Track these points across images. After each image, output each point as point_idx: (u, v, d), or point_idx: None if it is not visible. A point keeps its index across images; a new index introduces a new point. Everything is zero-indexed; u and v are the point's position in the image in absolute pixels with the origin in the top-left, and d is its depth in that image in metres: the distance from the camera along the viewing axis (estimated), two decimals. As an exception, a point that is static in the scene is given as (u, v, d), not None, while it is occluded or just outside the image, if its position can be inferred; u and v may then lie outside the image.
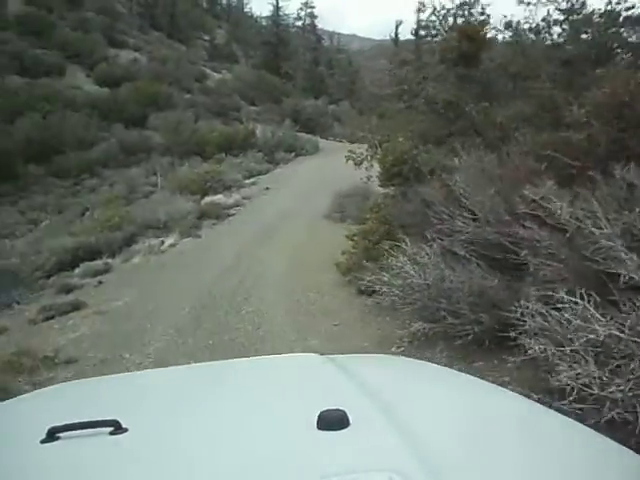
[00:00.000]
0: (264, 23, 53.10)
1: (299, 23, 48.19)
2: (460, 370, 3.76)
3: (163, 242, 10.76)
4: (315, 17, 48.38)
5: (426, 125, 6.15)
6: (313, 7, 47.76)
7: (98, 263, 9.84)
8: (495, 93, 5.87)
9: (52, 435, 0.93)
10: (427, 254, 3.90)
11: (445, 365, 3.82)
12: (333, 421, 0.86)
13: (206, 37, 51.06)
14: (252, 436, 0.92)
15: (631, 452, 0.92)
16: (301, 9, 47.34)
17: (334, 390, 1.12)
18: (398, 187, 5.34)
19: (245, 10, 63.58)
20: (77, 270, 9.62)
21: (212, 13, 59.00)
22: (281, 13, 46.94)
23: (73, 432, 0.94)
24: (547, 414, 1.12)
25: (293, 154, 23.18)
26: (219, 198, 14.07)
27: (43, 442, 0.93)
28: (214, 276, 7.84)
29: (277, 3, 46.08)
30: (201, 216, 12.28)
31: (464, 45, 5.76)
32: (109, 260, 10.11)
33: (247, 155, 21.32)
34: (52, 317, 6.45)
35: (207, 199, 14.02)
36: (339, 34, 68.65)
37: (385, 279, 4.00)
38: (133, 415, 1.03)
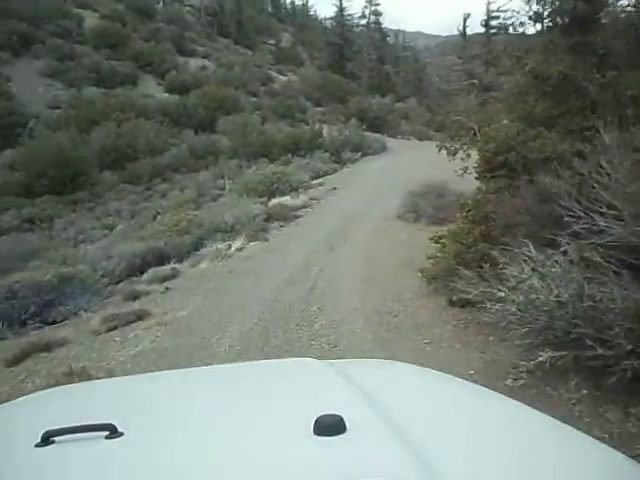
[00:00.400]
0: (329, 24, 52.83)
1: (364, 22, 47.35)
2: (614, 421, 2.87)
3: (230, 246, 10.35)
4: (380, 14, 47.36)
5: (529, 106, 5.19)
6: (378, 4, 46.78)
7: (166, 268, 9.55)
8: (618, 63, 4.83)
9: (47, 439, 0.91)
10: (557, 262, 3.00)
11: (590, 410, 2.92)
12: (330, 426, 0.83)
13: (271, 41, 51.65)
14: (248, 441, 0.90)
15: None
16: (365, 7, 46.49)
17: (331, 395, 1.09)
18: (502, 179, 4.45)
19: (310, 13, 63.81)
20: (145, 276, 9.38)
21: (277, 17, 59.76)
22: (345, 13, 46.40)
23: (68, 436, 0.91)
24: (549, 423, 1.05)
25: (360, 154, 22.71)
26: (286, 200, 13.59)
27: (38, 446, 0.91)
28: (283, 283, 7.23)
29: (341, 4, 45.57)
30: (268, 218, 11.84)
31: (579, 7, 4.76)
32: (177, 265, 9.81)
33: (314, 156, 20.95)
34: (115, 327, 6.10)
35: (274, 201, 13.58)
36: (404, 32, 67.42)
37: (501, 294, 3.14)
38: (129, 419, 1.01)
